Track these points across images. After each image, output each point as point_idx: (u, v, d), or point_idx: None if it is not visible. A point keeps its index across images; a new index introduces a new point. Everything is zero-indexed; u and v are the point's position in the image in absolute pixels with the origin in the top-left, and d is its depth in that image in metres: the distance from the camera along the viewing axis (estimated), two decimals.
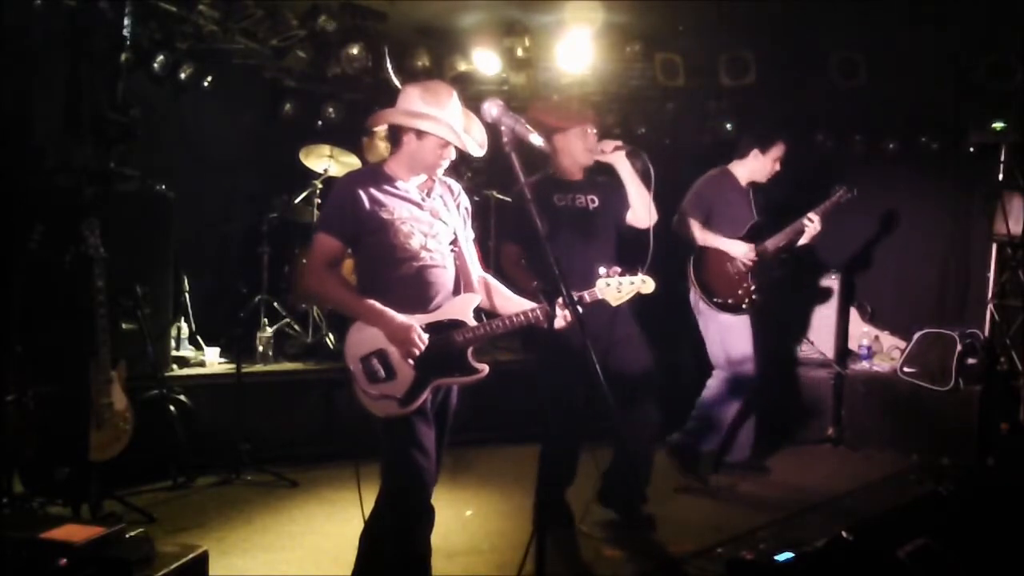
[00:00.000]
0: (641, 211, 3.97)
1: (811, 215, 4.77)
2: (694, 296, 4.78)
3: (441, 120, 2.82)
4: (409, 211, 2.86)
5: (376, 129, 2.92)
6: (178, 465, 4.62)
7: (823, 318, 6.12)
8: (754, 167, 4.87)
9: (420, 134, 2.83)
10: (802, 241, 4.81)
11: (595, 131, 4.04)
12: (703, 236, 4.71)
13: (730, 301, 4.70)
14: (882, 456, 5.51)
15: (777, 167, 4.88)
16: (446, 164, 2.91)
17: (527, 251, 3.95)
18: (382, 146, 2.94)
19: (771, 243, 4.79)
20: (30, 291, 4.18)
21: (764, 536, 4.07)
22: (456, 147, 2.87)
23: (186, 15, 5.28)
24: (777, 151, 4.85)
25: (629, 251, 3.93)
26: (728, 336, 4.73)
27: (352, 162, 5.82)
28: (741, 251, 4.69)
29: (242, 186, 6.42)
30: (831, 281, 6.13)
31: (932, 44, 5.63)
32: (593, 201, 4.07)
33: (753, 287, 4.70)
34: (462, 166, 6.10)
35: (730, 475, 5.01)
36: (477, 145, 2.90)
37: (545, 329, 2.86)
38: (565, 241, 3.80)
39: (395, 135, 2.88)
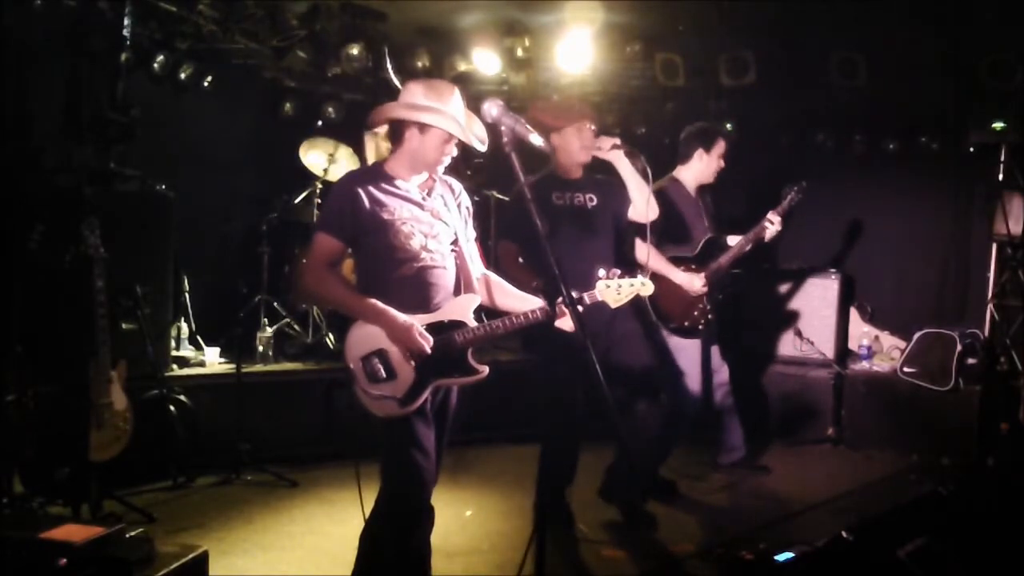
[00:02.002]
0: (642, 206, 3.95)
1: (771, 216, 4.59)
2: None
3: (445, 113, 2.81)
4: (410, 211, 2.86)
5: (377, 129, 2.91)
6: (178, 465, 4.62)
7: (823, 318, 6.11)
8: (700, 169, 4.68)
9: (423, 128, 2.82)
10: (766, 238, 4.62)
11: (593, 128, 3.99)
12: (654, 262, 4.35)
13: (686, 324, 4.51)
14: (882, 456, 5.50)
15: (722, 164, 4.70)
16: (447, 161, 2.90)
17: (525, 250, 3.94)
18: (383, 145, 2.93)
19: (725, 259, 4.59)
20: (30, 291, 4.18)
21: (764, 536, 4.07)
22: (457, 144, 2.86)
23: (186, 15, 5.29)
24: (721, 148, 4.67)
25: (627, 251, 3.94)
26: (679, 359, 4.53)
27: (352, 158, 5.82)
28: (696, 287, 4.45)
29: (242, 186, 6.43)
30: (831, 281, 6.12)
31: (932, 44, 5.63)
32: (592, 199, 4.05)
33: (708, 307, 4.52)
34: (462, 165, 6.10)
35: (730, 475, 5.01)
36: (479, 141, 2.89)
37: (545, 329, 2.86)
38: (564, 239, 3.77)
39: (397, 132, 2.87)
